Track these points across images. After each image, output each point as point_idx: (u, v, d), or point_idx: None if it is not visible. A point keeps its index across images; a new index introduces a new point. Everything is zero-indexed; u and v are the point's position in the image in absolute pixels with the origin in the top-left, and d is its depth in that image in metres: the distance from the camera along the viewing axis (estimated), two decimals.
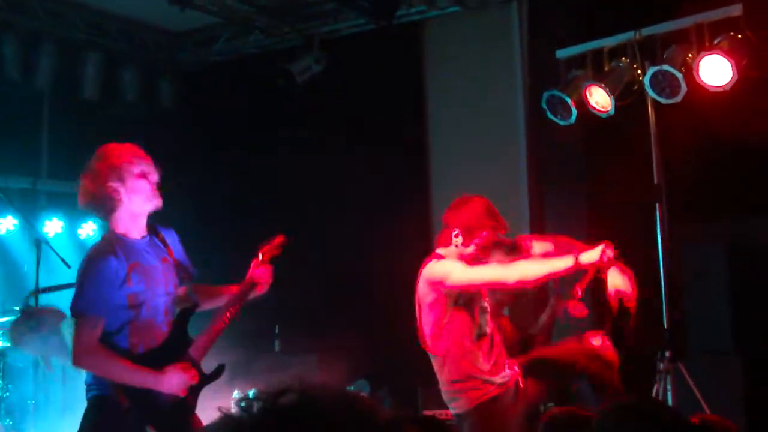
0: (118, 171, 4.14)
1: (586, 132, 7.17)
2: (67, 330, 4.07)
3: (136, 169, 4.18)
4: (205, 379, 4.18)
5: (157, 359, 4.05)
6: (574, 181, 7.78)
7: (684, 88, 6.16)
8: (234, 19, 9.07)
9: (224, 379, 4.33)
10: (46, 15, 8.80)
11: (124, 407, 3.93)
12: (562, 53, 6.89)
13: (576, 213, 7.57)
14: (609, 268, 4.93)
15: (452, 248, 5.05)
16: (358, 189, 8.40)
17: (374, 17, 8.29)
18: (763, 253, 6.83)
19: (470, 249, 5.02)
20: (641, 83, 6.40)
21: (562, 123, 6.74)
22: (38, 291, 7.02)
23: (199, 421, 4.10)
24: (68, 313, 4.08)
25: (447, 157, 8.45)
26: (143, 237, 4.24)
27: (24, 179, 9.30)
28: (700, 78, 6.10)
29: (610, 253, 4.76)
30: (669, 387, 5.98)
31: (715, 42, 6.17)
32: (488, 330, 5.04)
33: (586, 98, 6.60)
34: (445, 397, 5.13)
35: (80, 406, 4.17)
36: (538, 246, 5.29)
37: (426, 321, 5.07)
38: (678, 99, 6.22)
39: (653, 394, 5.92)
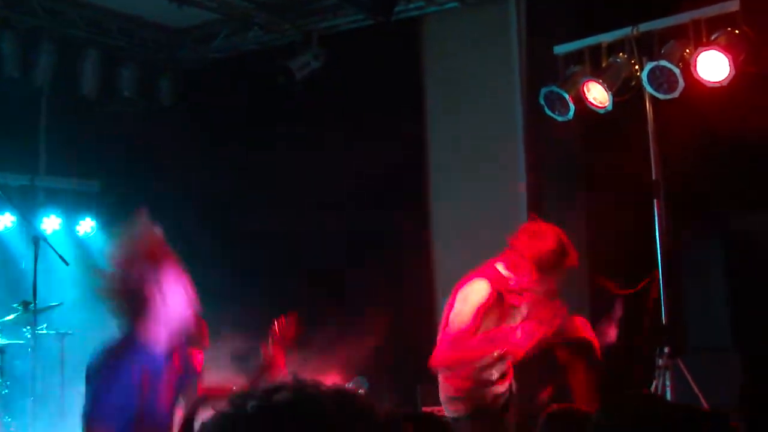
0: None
1: (583, 128, 7.16)
2: None
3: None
4: None
5: None
6: (572, 177, 7.77)
7: (681, 83, 6.15)
8: (233, 16, 9.06)
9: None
10: (45, 13, 8.79)
11: None
12: (559, 49, 6.88)
13: (574, 209, 7.56)
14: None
15: (510, 271, 4.98)
16: (356, 185, 8.39)
17: (373, 13, 8.28)
18: (761, 249, 6.83)
19: (529, 282, 4.93)
20: (639, 79, 6.39)
21: (560, 119, 6.73)
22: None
23: None
24: None
25: (445, 153, 8.44)
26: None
27: (22, 176, 9.30)
28: (697, 74, 6.09)
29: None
30: (668, 383, 5.97)
31: (713, 37, 6.16)
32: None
33: (584, 94, 6.60)
34: (443, 397, 5.11)
35: (79, 404, 4.16)
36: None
37: (453, 321, 4.98)
38: (676, 95, 6.21)
39: (652, 389, 5.93)
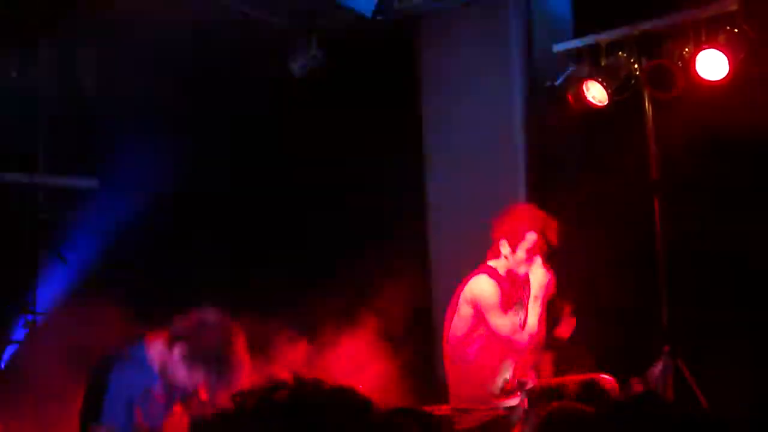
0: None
1: (583, 127, 7.15)
2: None
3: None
4: None
5: None
6: (572, 176, 7.76)
7: (681, 82, 6.15)
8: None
9: None
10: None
11: None
12: (559, 47, 6.88)
13: (573, 207, 7.55)
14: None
15: (502, 260, 4.98)
16: (353, 183, 8.38)
17: (371, 10, 8.26)
18: (762, 249, 6.81)
19: (521, 255, 4.93)
20: (638, 78, 6.39)
21: (559, 117, 6.74)
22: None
23: None
24: None
25: (444, 151, 8.42)
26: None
27: (21, 174, 9.27)
28: (697, 72, 6.10)
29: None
30: (668, 383, 5.97)
31: (712, 36, 6.16)
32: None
33: (583, 93, 6.59)
34: (450, 408, 5.09)
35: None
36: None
37: (457, 326, 5.02)
38: (675, 93, 6.21)
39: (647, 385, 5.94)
